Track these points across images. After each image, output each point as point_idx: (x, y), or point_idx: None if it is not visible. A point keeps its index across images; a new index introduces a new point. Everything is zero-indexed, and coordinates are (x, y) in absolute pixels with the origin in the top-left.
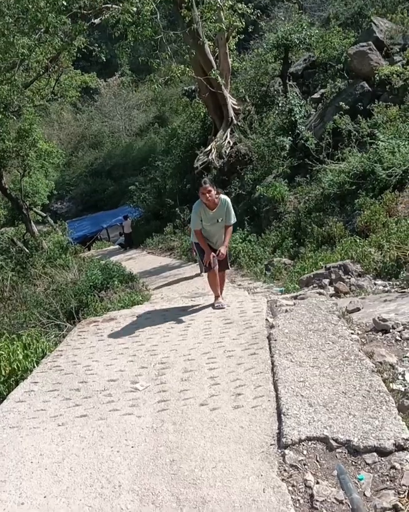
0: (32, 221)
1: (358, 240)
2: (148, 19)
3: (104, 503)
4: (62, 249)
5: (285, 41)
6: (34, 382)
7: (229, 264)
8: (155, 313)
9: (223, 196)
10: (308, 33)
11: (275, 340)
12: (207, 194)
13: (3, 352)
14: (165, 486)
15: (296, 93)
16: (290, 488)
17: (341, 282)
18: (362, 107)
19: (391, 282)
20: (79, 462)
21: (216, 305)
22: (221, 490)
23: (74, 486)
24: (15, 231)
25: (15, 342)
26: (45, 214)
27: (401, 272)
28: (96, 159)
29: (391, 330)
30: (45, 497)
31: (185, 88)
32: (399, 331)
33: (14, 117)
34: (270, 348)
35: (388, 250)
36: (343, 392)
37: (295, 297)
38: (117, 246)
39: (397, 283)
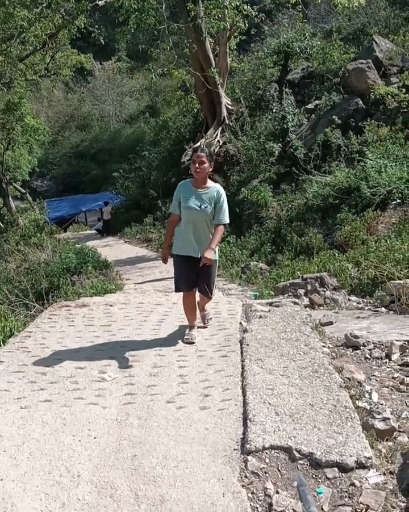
0: (10, 196)
1: (336, 255)
2: (153, 8)
3: (62, 492)
4: (38, 228)
5: (286, 48)
6: (0, 362)
7: (212, 287)
8: (129, 304)
9: (217, 185)
10: (309, 43)
11: (248, 344)
12: (198, 165)
13: None
14: (124, 480)
15: (291, 101)
16: (250, 495)
17: (316, 294)
18: (354, 123)
19: (365, 300)
20: (39, 448)
21: (185, 337)
22: (181, 490)
23: (32, 472)
24: None
25: None
26: (24, 191)
27: (377, 291)
28: (83, 141)
29: (361, 347)
30: (1, 480)
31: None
32: (369, 349)
33: (4, 89)
34: (241, 352)
35: (366, 268)
36: (310, 404)
37: (270, 304)
38: (94, 231)
39: (371, 301)
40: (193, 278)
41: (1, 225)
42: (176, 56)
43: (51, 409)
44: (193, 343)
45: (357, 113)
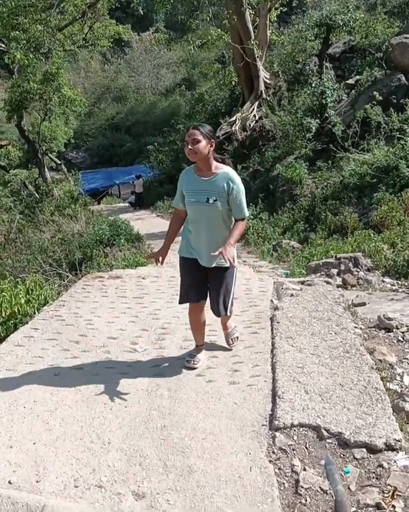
0: (46, 167)
1: (371, 235)
2: None
3: (92, 457)
4: (72, 199)
5: (328, 20)
6: (35, 329)
7: (227, 303)
8: (161, 277)
9: (227, 169)
10: (352, 16)
11: (278, 322)
12: (190, 145)
13: (6, 294)
14: (153, 449)
15: (331, 75)
16: (277, 470)
17: (350, 274)
18: (395, 100)
19: (399, 282)
20: (71, 414)
21: (186, 360)
22: (209, 462)
23: (63, 437)
24: (27, 174)
25: (18, 285)
26: (59, 162)
27: None
28: (118, 113)
29: (394, 330)
30: (34, 443)
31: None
32: (402, 332)
33: (42, 59)
34: (271, 330)
35: (402, 249)
36: (340, 384)
37: (302, 283)
38: (127, 204)
39: (406, 284)
40: (203, 286)
41: (37, 195)
42: (214, 26)
43: (83, 377)
44: (195, 368)
45: (399, 90)
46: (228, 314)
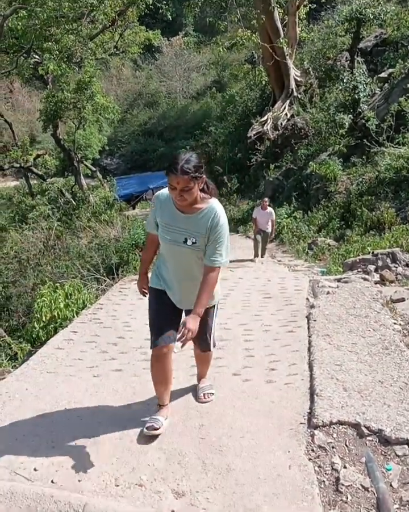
0: (81, 174)
1: None
2: None
3: (132, 457)
4: (108, 205)
5: (358, 14)
6: (74, 332)
7: (210, 337)
8: None
9: (214, 203)
10: (383, 8)
11: (315, 320)
12: (180, 193)
13: (46, 299)
14: (192, 448)
15: (362, 70)
16: (316, 468)
17: (388, 270)
18: None
19: None
20: (111, 416)
21: (147, 425)
22: (247, 460)
23: (104, 437)
24: (64, 182)
25: (57, 290)
26: (95, 169)
27: None
28: (150, 118)
29: None
30: (75, 443)
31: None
32: None
33: (75, 69)
34: (308, 328)
35: None
36: (380, 381)
37: (339, 280)
38: None
39: None
40: (173, 324)
41: (74, 202)
42: (242, 27)
43: (122, 378)
44: (156, 433)
45: None
46: (211, 349)
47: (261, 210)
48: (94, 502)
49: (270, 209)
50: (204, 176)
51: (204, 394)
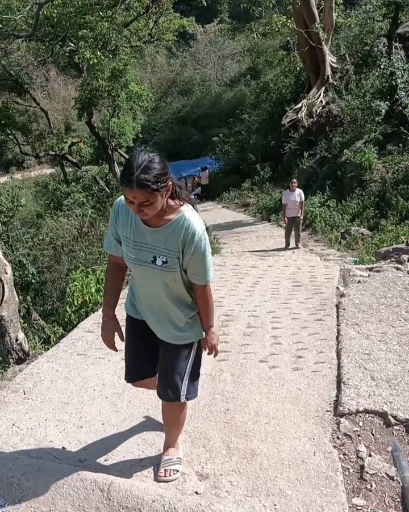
0: (115, 162)
1: None
2: None
3: (158, 439)
4: None
5: None
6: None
7: (181, 384)
8: (224, 266)
9: (187, 212)
10: None
11: (344, 309)
12: (138, 208)
13: (78, 284)
14: (217, 432)
15: (401, 56)
16: (341, 456)
17: None
18: None
19: None
20: (138, 397)
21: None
22: (272, 445)
23: (131, 418)
24: (98, 170)
25: (89, 275)
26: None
27: None
28: (184, 106)
29: None
30: (102, 424)
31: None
32: None
33: (110, 56)
34: (337, 317)
35: None
36: None
37: (370, 269)
38: (193, 196)
39: None
40: (151, 359)
41: (108, 190)
42: (277, 12)
43: None
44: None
45: None
46: (181, 399)
47: (289, 193)
48: (119, 481)
49: (299, 190)
50: (170, 182)
51: (165, 471)
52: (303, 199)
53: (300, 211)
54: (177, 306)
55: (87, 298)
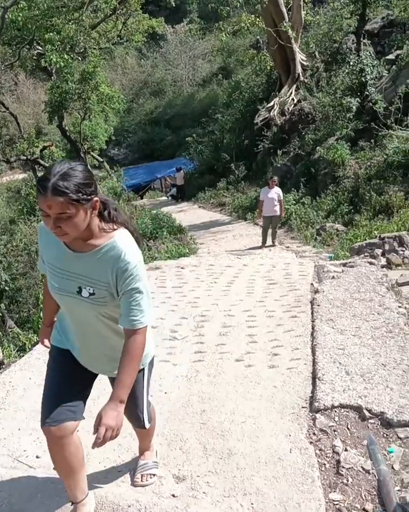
0: (88, 165)
1: None
2: None
3: (134, 443)
4: (116, 195)
5: None
6: None
7: (143, 410)
8: (200, 266)
9: (119, 237)
10: None
11: (318, 305)
12: (53, 224)
13: None
14: (193, 434)
15: (369, 52)
16: (317, 451)
17: (394, 254)
18: None
19: None
20: None
21: None
22: (248, 444)
23: None
24: None
25: None
26: (102, 159)
27: None
28: (157, 107)
29: None
30: (77, 431)
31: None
32: None
33: (79, 59)
34: (312, 313)
35: None
36: (382, 364)
37: (344, 265)
38: (168, 197)
39: None
40: (76, 394)
41: None
42: (245, 11)
43: None
44: None
45: None
46: (146, 426)
47: (268, 190)
48: (95, 488)
49: (277, 188)
50: (98, 197)
51: (142, 475)
52: (282, 197)
53: (278, 209)
54: (118, 336)
55: None
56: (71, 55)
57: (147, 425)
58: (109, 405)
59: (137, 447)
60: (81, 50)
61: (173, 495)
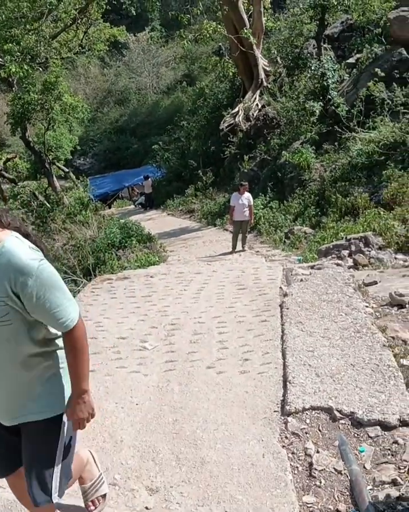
0: (54, 176)
1: (382, 213)
2: None
3: (105, 457)
4: (83, 205)
5: (322, 1)
6: None
7: (53, 484)
8: (169, 274)
9: (9, 241)
10: None
11: (287, 308)
12: None
13: None
14: (165, 444)
15: (330, 56)
16: (290, 455)
17: (361, 255)
18: (398, 75)
19: None
20: None
21: None
22: (221, 452)
23: (77, 439)
24: (37, 185)
25: None
26: (67, 170)
27: None
28: (122, 116)
29: (406, 306)
30: None
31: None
32: None
33: (40, 69)
34: (281, 316)
35: None
36: (352, 364)
37: (312, 267)
38: (137, 206)
39: None
40: (11, 450)
41: (48, 204)
42: (207, 19)
43: (94, 379)
44: None
45: (401, 64)
46: (53, 499)
47: (238, 196)
48: (63, 505)
49: (248, 194)
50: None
51: (92, 502)
52: (252, 203)
53: (248, 215)
54: (26, 369)
55: None
56: (32, 66)
57: (54, 497)
58: (73, 400)
59: (108, 459)
60: (42, 61)
61: (146, 508)
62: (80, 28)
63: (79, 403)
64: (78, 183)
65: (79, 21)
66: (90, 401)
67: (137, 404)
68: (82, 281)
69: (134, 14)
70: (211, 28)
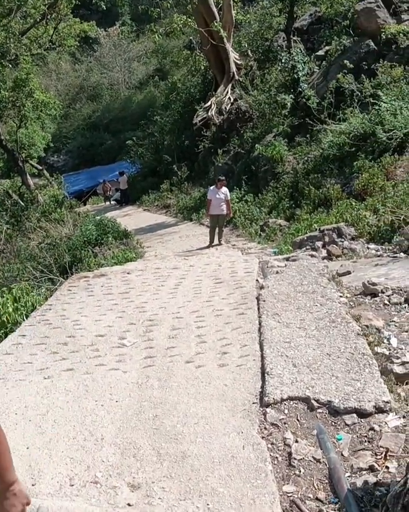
0: (27, 174)
1: (353, 204)
2: None
3: (86, 455)
4: (58, 203)
5: None
6: (23, 335)
7: None
8: (146, 270)
9: None
10: None
11: (264, 301)
12: None
13: None
14: (146, 440)
15: (300, 49)
16: (269, 445)
17: (334, 245)
18: (366, 66)
19: (384, 247)
20: (63, 415)
21: None
22: (202, 445)
23: (57, 438)
24: (10, 183)
25: (5, 295)
26: (41, 167)
27: (394, 237)
28: (94, 112)
29: (379, 294)
30: (27, 448)
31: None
32: (388, 296)
33: (10, 66)
34: (258, 309)
35: (383, 214)
36: (327, 354)
37: (287, 259)
38: (113, 202)
39: (390, 248)
40: None
41: (22, 203)
42: (177, 12)
43: (73, 377)
44: None
45: (368, 56)
46: None
47: (216, 190)
48: (48, 504)
49: (225, 189)
50: None
51: None
52: (229, 198)
53: (225, 209)
54: None
55: (5, 319)
56: (2, 63)
57: None
58: (2, 496)
59: (90, 459)
60: (12, 57)
61: (129, 504)
62: (50, 24)
63: (8, 497)
64: (52, 181)
65: (48, 17)
66: (21, 490)
67: (117, 401)
68: (58, 280)
69: (104, 9)
70: (181, 22)
